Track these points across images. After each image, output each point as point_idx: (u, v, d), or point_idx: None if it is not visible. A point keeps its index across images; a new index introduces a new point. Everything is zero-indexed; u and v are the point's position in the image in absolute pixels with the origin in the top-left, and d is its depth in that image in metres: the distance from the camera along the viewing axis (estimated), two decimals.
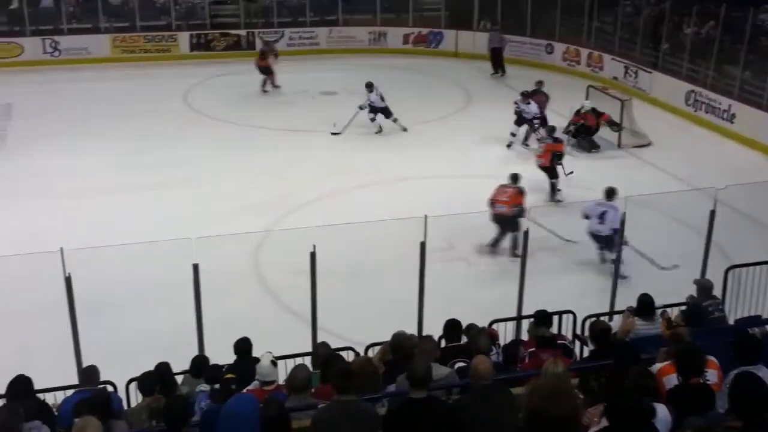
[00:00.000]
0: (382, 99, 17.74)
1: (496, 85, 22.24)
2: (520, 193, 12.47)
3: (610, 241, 11.35)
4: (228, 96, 20.86)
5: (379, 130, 17.82)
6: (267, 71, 21.13)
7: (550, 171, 14.57)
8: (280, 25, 25.32)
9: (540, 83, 18.26)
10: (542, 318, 7.68)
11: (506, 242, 12.44)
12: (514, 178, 12.77)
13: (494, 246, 12.46)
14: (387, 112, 17.80)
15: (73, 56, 23.32)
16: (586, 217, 11.70)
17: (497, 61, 23.30)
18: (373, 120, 17.75)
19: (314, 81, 21.78)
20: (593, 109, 17.27)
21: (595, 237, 11.69)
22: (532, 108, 16.87)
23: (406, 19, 26.11)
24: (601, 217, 11.52)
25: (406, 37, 25.83)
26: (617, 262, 10.17)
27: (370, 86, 17.75)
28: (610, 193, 11.81)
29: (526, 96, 17.12)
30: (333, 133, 17.62)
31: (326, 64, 23.80)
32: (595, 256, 11.91)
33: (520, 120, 17.05)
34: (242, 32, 24.91)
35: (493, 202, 12.33)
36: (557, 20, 24.45)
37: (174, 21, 24.60)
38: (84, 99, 19.97)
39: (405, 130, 17.86)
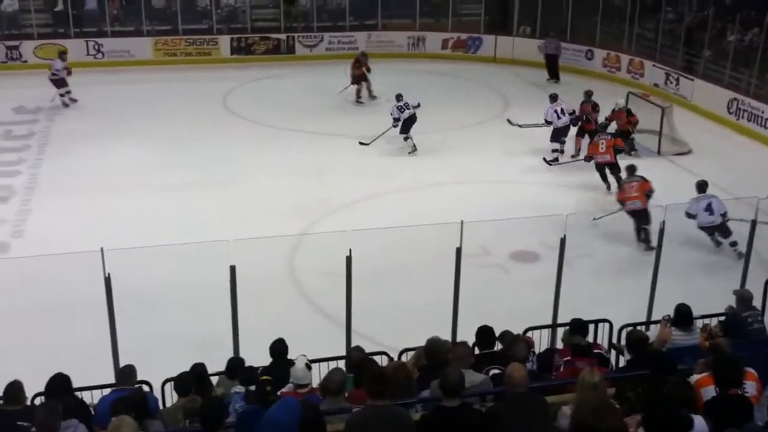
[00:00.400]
0: (400, 110, 16.95)
1: (535, 91, 22.08)
2: (645, 180, 13.04)
3: (724, 227, 12.26)
4: (267, 99, 21.02)
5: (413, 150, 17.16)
6: (361, 79, 20.70)
7: (615, 166, 14.70)
8: (320, 30, 25.42)
9: (588, 93, 17.68)
10: (578, 326, 7.61)
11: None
12: (632, 169, 13.35)
13: (639, 238, 12.86)
14: (403, 128, 17.03)
15: (115, 58, 23.63)
16: (691, 216, 12.19)
17: (552, 68, 23.25)
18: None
19: (352, 85, 21.84)
20: (628, 110, 17.19)
21: (709, 228, 12.38)
22: (547, 110, 16.71)
23: (445, 24, 26.04)
24: (708, 208, 12.21)
25: (445, 42, 25.77)
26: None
27: (398, 98, 17.33)
28: (704, 186, 12.62)
29: (554, 98, 16.93)
30: (361, 144, 17.54)
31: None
32: (631, 264, 11.81)
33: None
34: (282, 36, 25.06)
35: (624, 201, 12.90)
36: (597, 26, 24.29)
37: (215, 25, 24.84)
38: (125, 100, 20.23)
39: (412, 151, 17.03)
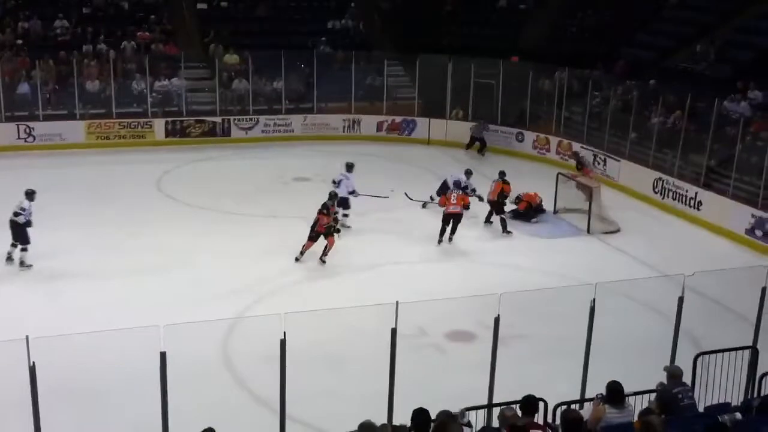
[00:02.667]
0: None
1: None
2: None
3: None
4: (202, 182, 20.96)
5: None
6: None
7: (460, 217, 16.92)
8: (255, 113, 25.64)
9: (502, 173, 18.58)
10: (528, 404, 7.59)
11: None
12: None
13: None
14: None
15: (47, 142, 23.38)
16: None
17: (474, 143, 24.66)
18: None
19: (288, 167, 21.98)
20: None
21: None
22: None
23: (379, 107, 26.52)
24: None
25: (380, 125, 26.24)
26: None
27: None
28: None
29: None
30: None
31: (300, 151, 24.07)
32: (564, 343, 11.87)
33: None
34: (218, 119, 25.18)
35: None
36: (527, 109, 25.02)
37: (150, 108, 24.83)
38: (58, 184, 19.89)
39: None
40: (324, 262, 15.38)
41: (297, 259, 15.46)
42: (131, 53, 25.75)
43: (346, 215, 17.37)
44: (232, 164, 22.52)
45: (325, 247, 15.40)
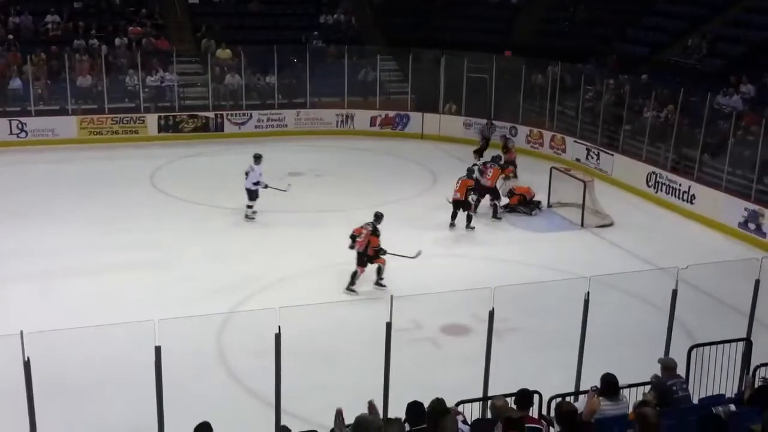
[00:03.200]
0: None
1: (461, 166, 22.51)
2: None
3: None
4: (195, 177, 20.91)
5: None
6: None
7: (466, 204, 17.40)
8: (249, 108, 25.59)
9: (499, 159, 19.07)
10: (522, 398, 7.60)
11: None
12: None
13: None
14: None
15: (39, 137, 23.31)
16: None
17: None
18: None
19: (281, 162, 21.89)
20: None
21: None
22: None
23: (373, 102, 26.51)
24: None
25: (373, 120, 26.21)
26: None
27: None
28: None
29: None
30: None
31: (293, 146, 24.03)
32: (558, 336, 11.90)
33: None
34: (210, 114, 25.13)
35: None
36: (520, 104, 25.02)
37: (142, 103, 24.75)
38: (50, 180, 19.91)
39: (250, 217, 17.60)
40: (384, 285, 13.98)
41: (352, 290, 13.71)
42: (123, 48, 25.66)
43: (250, 206, 17.46)
44: (225, 159, 22.47)
45: (380, 269, 14.13)
